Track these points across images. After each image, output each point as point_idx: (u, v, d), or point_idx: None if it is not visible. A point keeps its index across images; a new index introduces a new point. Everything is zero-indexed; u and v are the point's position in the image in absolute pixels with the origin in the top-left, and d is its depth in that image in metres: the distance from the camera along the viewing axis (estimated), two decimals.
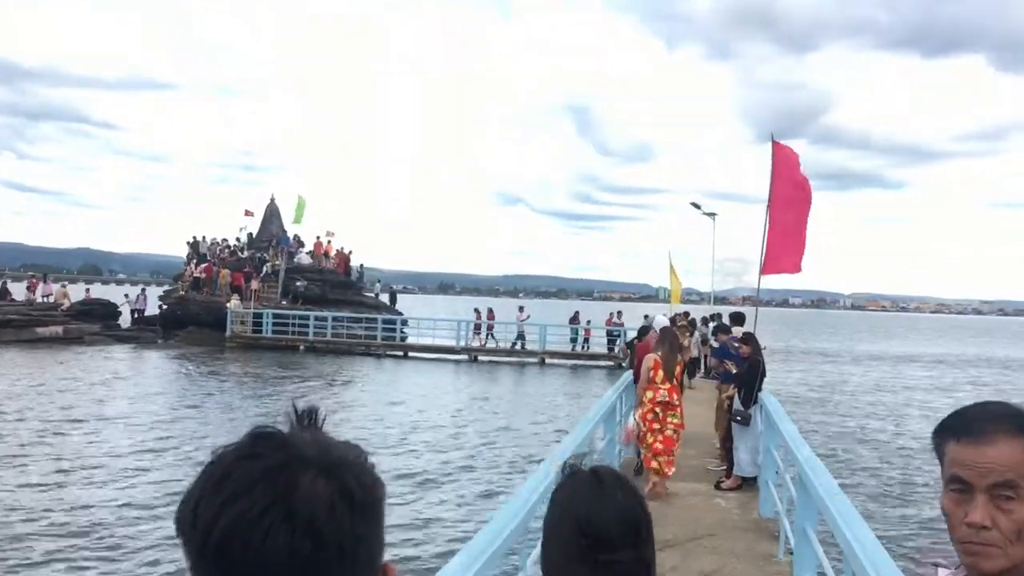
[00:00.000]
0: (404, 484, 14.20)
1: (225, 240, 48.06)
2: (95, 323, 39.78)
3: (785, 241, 12.25)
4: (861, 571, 3.66)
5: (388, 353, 39.34)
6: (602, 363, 37.58)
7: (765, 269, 12.38)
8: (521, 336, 39.82)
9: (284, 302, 42.63)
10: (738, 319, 14.85)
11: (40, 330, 36.99)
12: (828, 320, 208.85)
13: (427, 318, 48.48)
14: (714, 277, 33.97)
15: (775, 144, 12.42)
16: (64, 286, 42.15)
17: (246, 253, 46.99)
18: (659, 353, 9.96)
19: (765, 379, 10.48)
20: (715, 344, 14.62)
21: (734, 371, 10.97)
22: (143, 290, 45.61)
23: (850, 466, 17.11)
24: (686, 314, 27.29)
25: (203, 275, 43.52)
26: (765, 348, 11.69)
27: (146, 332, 41.36)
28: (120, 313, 42.70)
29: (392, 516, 12.09)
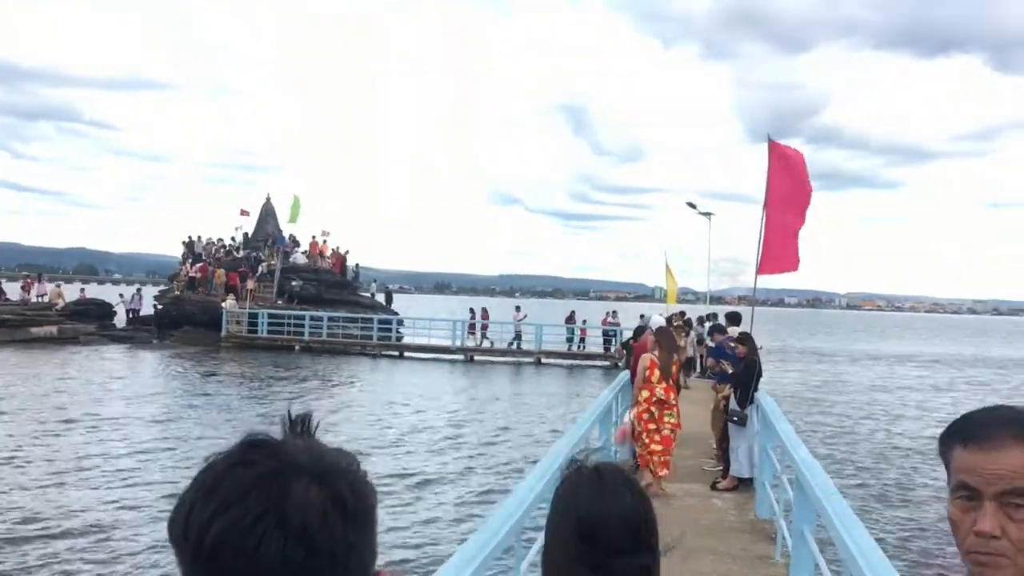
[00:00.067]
0: (400, 485, 14.17)
1: (221, 240, 48.05)
2: (90, 323, 39.66)
3: (782, 241, 12.21)
4: (859, 574, 3.63)
5: (384, 353, 39.29)
6: (598, 363, 37.55)
7: (761, 269, 12.34)
8: (518, 336, 39.82)
9: (280, 302, 42.56)
10: (734, 319, 14.83)
11: (35, 330, 36.87)
12: (824, 320, 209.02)
13: (423, 318, 48.46)
14: (710, 277, 34.08)
15: (771, 143, 12.38)
16: (59, 286, 41.97)
17: (242, 253, 46.94)
18: (655, 353, 9.94)
19: (761, 379, 10.45)
20: (711, 344, 14.60)
21: (730, 371, 10.94)
22: (138, 290, 45.51)
23: (847, 467, 17.09)
24: (682, 314, 27.31)
25: (199, 275, 43.42)
26: (761, 348, 11.66)
27: (141, 332, 41.23)
28: (115, 313, 42.62)
29: (388, 517, 12.09)
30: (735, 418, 10.09)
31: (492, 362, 38.17)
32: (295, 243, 47.00)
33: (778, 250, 12.21)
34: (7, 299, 39.02)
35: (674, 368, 10.19)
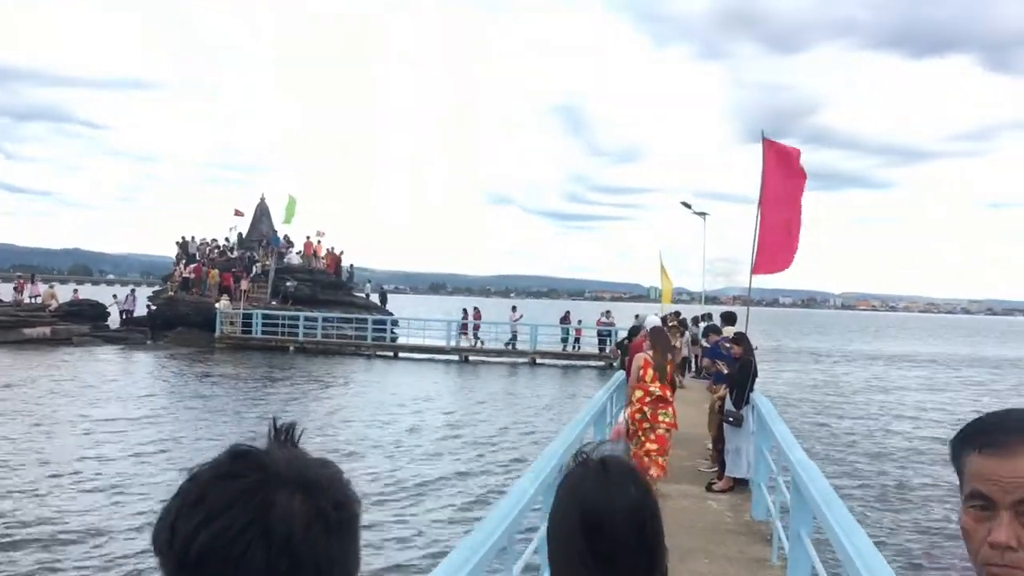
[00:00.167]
0: (396, 487, 14.11)
1: (215, 240, 47.91)
2: (84, 324, 39.51)
3: (776, 240, 12.14)
4: None
5: (378, 354, 39.21)
6: (593, 363, 37.53)
7: (756, 268, 12.28)
8: (514, 336, 39.78)
9: (274, 302, 42.47)
10: (729, 319, 14.79)
11: (28, 331, 36.73)
12: (818, 320, 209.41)
13: (418, 318, 48.42)
14: (705, 277, 34.06)
15: (766, 141, 12.30)
16: (52, 287, 41.88)
17: (236, 253, 46.84)
18: (649, 353, 9.89)
19: (757, 379, 10.39)
20: (706, 344, 14.54)
21: (726, 371, 10.88)
22: (132, 291, 45.37)
23: (844, 468, 17.02)
24: (677, 314, 27.24)
25: (192, 275, 43.35)
26: (757, 348, 11.61)
27: (135, 333, 41.11)
28: (109, 314, 42.47)
29: (386, 520, 12.04)
30: (730, 419, 10.03)
31: (487, 362, 38.12)
32: (289, 243, 46.92)
33: (773, 249, 12.14)
34: (0, 300, 38.87)
35: (668, 368, 10.12)
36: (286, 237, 47.01)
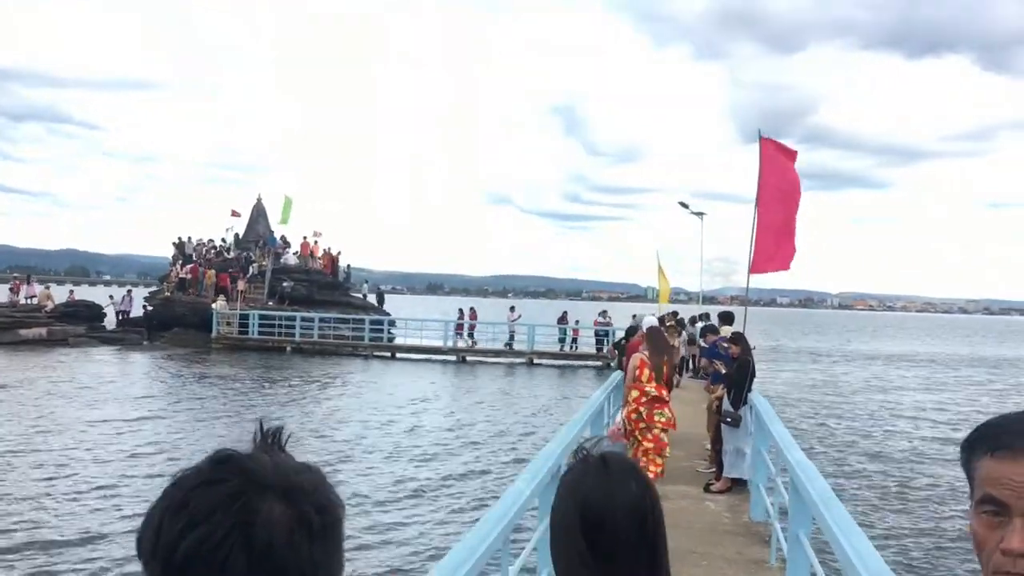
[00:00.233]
0: (393, 490, 14.03)
1: (211, 241, 47.83)
2: (80, 325, 39.43)
3: (774, 239, 12.09)
4: None
5: (375, 354, 39.12)
6: (590, 363, 37.47)
7: (754, 268, 12.23)
8: (511, 336, 39.72)
9: (270, 303, 42.39)
10: (727, 319, 14.72)
11: (23, 332, 36.62)
12: (816, 319, 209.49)
13: (415, 318, 48.32)
14: (702, 277, 34.02)
15: (763, 140, 12.24)
16: (48, 287, 41.74)
17: (232, 254, 46.76)
18: (645, 353, 9.83)
19: (755, 379, 10.33)
20: (704, 344, 14.47)
21: (723, 371, 10.82)
22: (129, 291, 45.21)
23: (843, 468, 16.94)
24: (674, 314, 27.20)
25: (189, 276, 43.25)
26: (755, 348, 11.55)
27: (131, 334, 41.01)
28: (105, 315, 42.38)
29: (378, 523, 11.97)
30: (728, 419, 9.96)
31: (484, 362, 38.04)
32: (286, 244, 46.80)
33: (771, 248, 12.10)
34: None
35: (664, 368, 10.05)
36: (283, 237, 46.91)
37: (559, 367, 36.96)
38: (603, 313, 40.60)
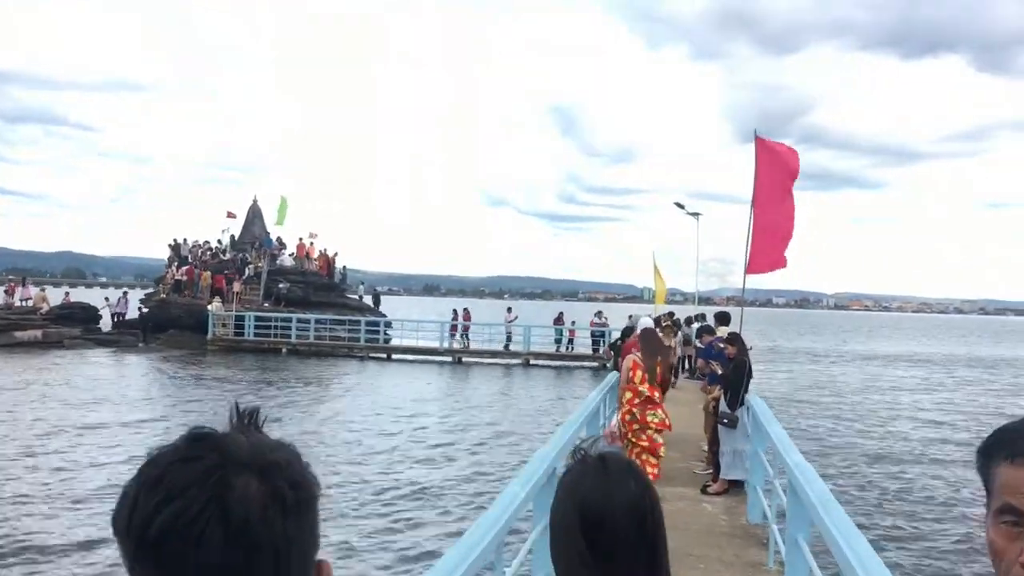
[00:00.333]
0: (392, 491, 13.98)
1: (207, 242, 47.71)
2: (75, 327, 39.31)
3: (770, 239, 12.04)
4: None
5: (371, 355, 39.08)
6: (587, 364, 37.45)
7: (750, 268, 12.18)
8: (508, 337, 39.68)
9: (266, 304, 42.30)
10: (723, 319, 14.68)
11: (19, 334, 36.46)
12: (812, 320, 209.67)
13: (411, 320, 48.26)
14: (698, 277, 33.97)
15: (759, 140, 12.20)
16: (43, 289, 41.60)
17: (228, 255, 46.66)
18: (638, 355, 9.80)
19: (751, 380, 10.28)
20: (699, 345, 14.42)
21: (720, 372, 10.77)
22: (124, 293, 45.12)
23: (841, 470, 16.89)
24: (671, 314, 27.18)
25: (184, 277, 43.15)
26: (752, 348, 11.50)
27: (127, 336, 40.91)
28: (101, 317, 42.28)
29: (374, 525, 11.91)
30: (725, 420, 9.91)
31: (480, 363, 37.99)
32: (282, 245, 46.76)
33: (767, 248, 12.04)
34: None
35: (658, 369, 10.00)
36: (279, 239, 46.87)
37: (555, 368, 36.93)
38: (599, 314, 40.57)
